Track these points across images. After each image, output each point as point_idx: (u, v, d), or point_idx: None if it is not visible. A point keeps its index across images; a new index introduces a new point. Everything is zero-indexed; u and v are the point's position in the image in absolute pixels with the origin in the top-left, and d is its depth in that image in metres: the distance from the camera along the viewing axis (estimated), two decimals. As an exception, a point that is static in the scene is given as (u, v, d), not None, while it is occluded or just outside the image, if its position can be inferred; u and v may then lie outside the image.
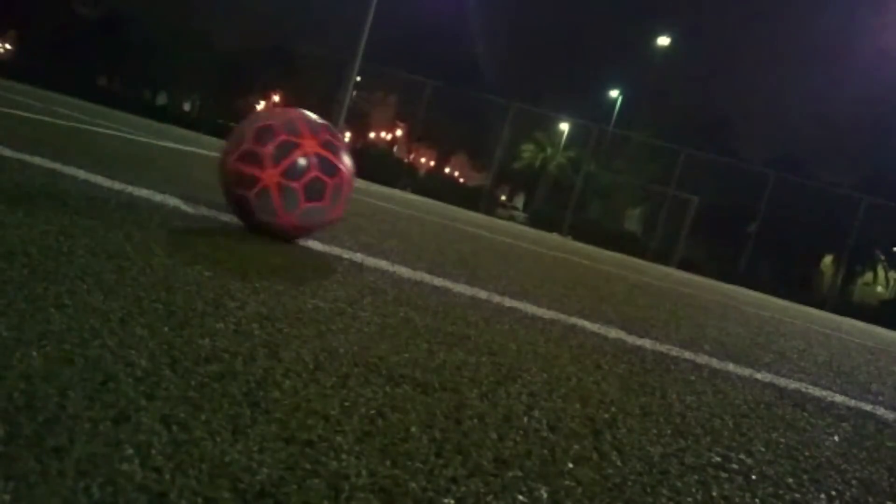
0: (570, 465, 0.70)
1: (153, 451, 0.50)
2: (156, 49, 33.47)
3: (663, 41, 33.81)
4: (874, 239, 33.57)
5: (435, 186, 32.18)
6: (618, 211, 38.33)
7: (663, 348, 1.73)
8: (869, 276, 39.62)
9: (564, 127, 43.09)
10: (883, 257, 37.94)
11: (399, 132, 63.57)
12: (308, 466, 0.54)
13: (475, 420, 0.76)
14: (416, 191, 29.62)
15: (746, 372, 1.70)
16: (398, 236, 3.04)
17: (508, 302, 1.81)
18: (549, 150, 44.16)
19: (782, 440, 1.06)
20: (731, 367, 1.72)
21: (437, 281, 1.85)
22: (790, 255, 32.39)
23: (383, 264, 1.89)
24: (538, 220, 32.95)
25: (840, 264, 33.21)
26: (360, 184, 11.59)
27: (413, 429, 0.67)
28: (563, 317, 1.80)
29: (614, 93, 40.83)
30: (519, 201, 51.91)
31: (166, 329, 0.79)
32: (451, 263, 2.42)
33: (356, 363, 0.85)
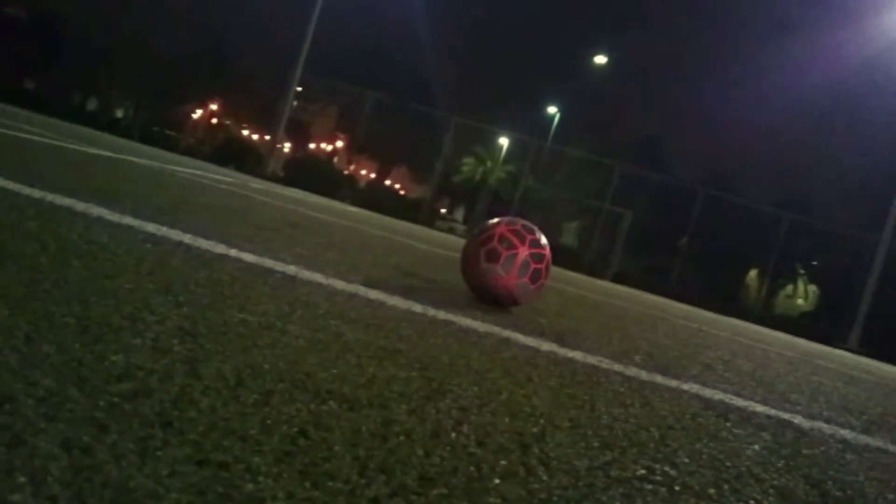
0: (497, 481, 0.69)
1: (49, 478, 0.47)
2: (88, 52, 32.27)
3: (600, 59, 34.80)
4: (795, 253, 35.30)
5: (375, 198, 32.09)
6: (555, 225, 39.01)
7: (594, 360, 1.76)
8: (790, 288, 41.56)
9: (504, 141, 43.66)
10: (803, 271, 39.89)
11: (340, 143, 63.10)
12: (220, 490, 0.52)
13: (402, 437, 0.74)
14: (356, 203, 29.43)
15: (673, 383, 1.75)
16: (335, 248, 3.00)
17: (443, 315, 1.80)
18: (488, 164, 44.65)
19: (705, 451, 1.09)
20: (658, 378, 1.76)
21: (372, 294, 1.83)
22: (718, 268, 33.64)
23: (317, 277, 1.85)
24: (478, 232, 32.84)
25: (764, 277, 34.75)
26: (299, 194, 11.42)
27: (336, 447, 0.66)
28: (497, 329, 1.81)
29: (552, 109, 41.64)
30: (459, 214, 52.23)
31: (77, 345, 0.75)
32: (387, 276, 2.40)
33: (281, 379, 0.83)
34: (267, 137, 29.14)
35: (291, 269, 1.86)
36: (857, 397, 2.90)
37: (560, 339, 1.97)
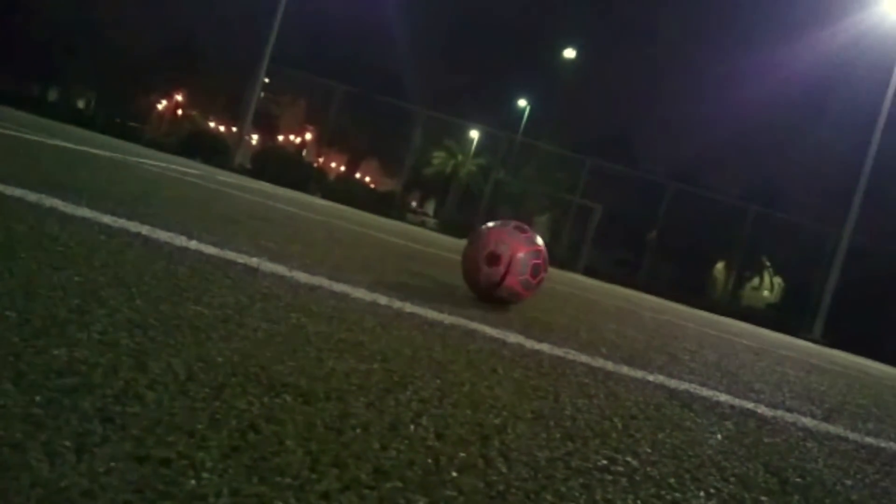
0: (454, 474, 0.68)
1: (-29, 479, 0.44)
2: (48, 42, 31.44)
3: (570, 54, 34.96)
4: (761, 246, 35.99)
5: (345, 191, 31.87)
6: (526, 218, 39.16)
7: (561, 352, 1.75)
8: (756, 280, 42.41)
9: (475, 135, 43.71)
10: (768, 263, 40.72)
11: (309, 136, 62.54)
12: (161, 487, 0.49)
13: (358, 430, 0.72)
14: (325, 196, 29.20)
15: (639, 374, 1.75)
16: (301, 241, 2.96)
17: (409, 307, 1.78)
18: (459, 158, 44.66)
19: (668, 440, 1.09)
20: (625, 369, 1.77)
21: (337, 286, 1.80)
22: (686, 261, 34.16)
23: (281, 269, 1.82)
24: (449, 226, 33.18)
25: (731, 270, 35.37)
26: (267, 187, 11.26)
27: (288, 442, 0.64)
28: (463, 322, 1.79)
29: (523, 103, 41.77)
30: (430, 207, 52.19)
31: (16, 339, 0.72)
32: (354, 268, 2.37)
33: (234, 373, 0.80)
34: (234, 129, 28.73)
35: (254, 262, 1.82)
36: (819, 386, 2.96)
37: (527, 331, 1.96)
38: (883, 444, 1.72)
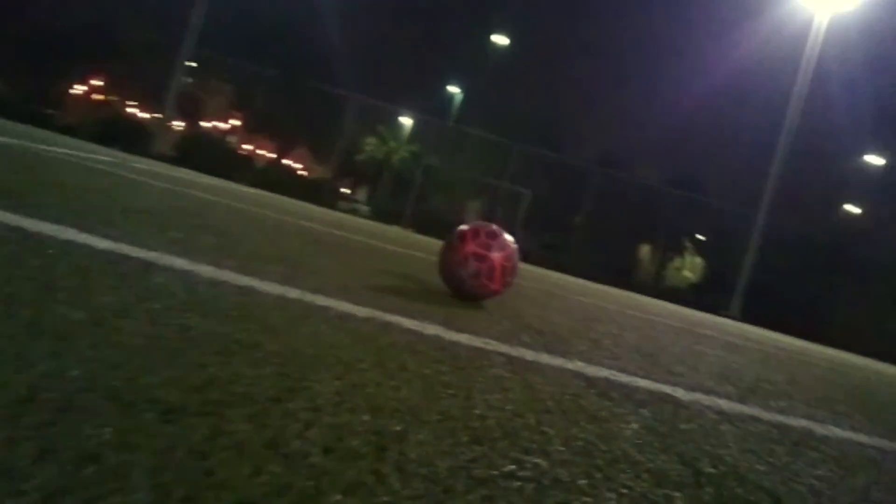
0: (338, 497, 0.61)
1: None
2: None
3: (499, 40, 35.09)
4: (682, 228, 37.34)
5: (274, 179, 31.21)
6: (458, 204, 39.33)
7: (480, 342, 1.70)
8: (678, 261, 44.00)
9: (407, 121, 43.45)
10: (690, 245, 42.31)
11: (236, 122, 60.75)
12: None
13: (230, 451, 0.64)
14: (253, 183, 28.49)
15: (558, 362, 1.72)
16: (215, 232, 2.80)
17: (322, 300, 1.69)
18: (392, 144, 44.32)
19: (581, 435, 1.05)
20: (544, 358, 1.73)
21: (245, 280, 1.69)
22: (612, 244, 35.06)
23: (182, 263, 1.69)
24: (381, 213, 33.04)
25: (655, 252, 36.58)
26: (190, 175, 10.80)
27: (135, 473, 0.55)
28: (379, 314, 1.72)
29: (454, 89, 41.76)
30: (362, 194, 51.62)
31: None
32: (268, 260, 2.25)
33: (89, 389, 0.70)
34: (157, 116, 27.58)
35: (152, 256, 1.68)
36: (735, 365, 3.03)
37: (448, 322, 1.90)
38: (793, 423, 1.75)
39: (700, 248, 43.74)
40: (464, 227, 2.68)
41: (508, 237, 2.64)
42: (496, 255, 2.49)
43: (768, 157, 21.46)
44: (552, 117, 42.18)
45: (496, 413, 1.04)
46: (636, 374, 1.86)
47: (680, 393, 1.74)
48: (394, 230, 15.94)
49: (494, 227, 2.65)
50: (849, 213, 44.58)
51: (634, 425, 1.22)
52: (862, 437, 1.79)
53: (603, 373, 1.74)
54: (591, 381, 1.56)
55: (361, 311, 1.69)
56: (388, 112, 38.43)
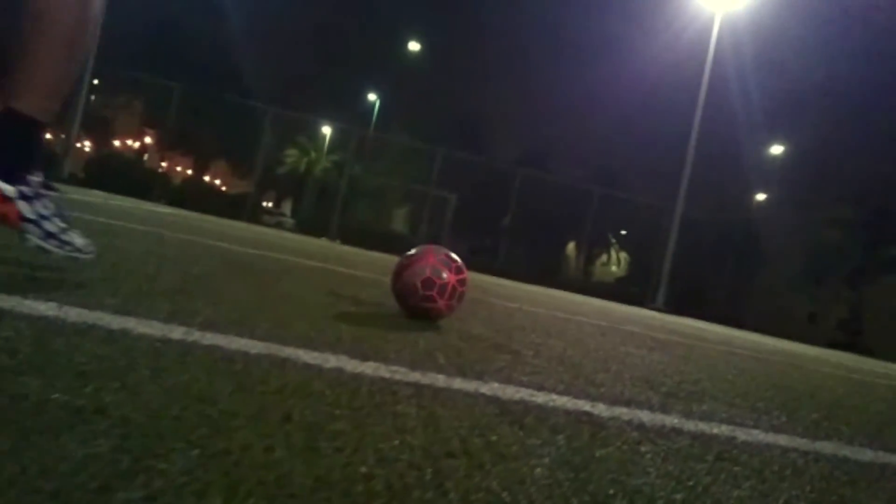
0: None
1: None
2: None
3: (414, 46, 35.14)
4: (606, 224, 38.37)
5: (193, 196, 30.29)
6: (385, 212, 39.15)
7: (387, 372, 1.58)
8: (605, 257, 45.24)
9: (327, 131, 42.90)
10: (614, 240, 43.55)
11: (149, 139, 58.68)
12: None
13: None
14: (170, 202, 27.56)
15: (473, 386, 1.62)
16: (103, 264, 2.56)
17: (210, 338, 1.53)
18: (313, 154, 43.68)
19: (485, 485, 0.93)
20: (457, 383, 1.62)
21: (119, 322, 1.51)
22: (540, 243, 35.67)
23: (44, 308, 1.49)
24: (306, 225, 32.52)
25: (581, 249, 37.42)
26: (97, 197, 10.20)
27: None
28: (277, 348, 1.57)
29: (372, 97, 41.52)
30: (287, 207, 50.74)
31: None
32: (158, 293, 2.05)
33: None
34: (62, 136, 26.20)
35: (11, 302, 1.48)
36: (658, 365, 3.01)
37: (355, 349, 1.77)
38: (715, 430, 1.70)
39: (624, 243, 45.10)
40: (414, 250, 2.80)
41: (458, 259, 2.77)
42: (448, 276, 2.65)
43: (682, 150, 22.27)
44: (474, 120, 42.58)
45: (386, 469, 0.92)
46: (555, 391, 1.78)
47: (600, 409, 1.67)
48: (318, 243, 15.62)
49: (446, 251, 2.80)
50: (758, 200, 46.94)
51: (546, 459, 1.12)
52: (782, 440, 1.76)
53: (520, 394, 1.64)
54: (505, 407, 1.46)
55: (256, 347, 1.53)
56: (307, 122, 37.87)
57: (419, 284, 2.63)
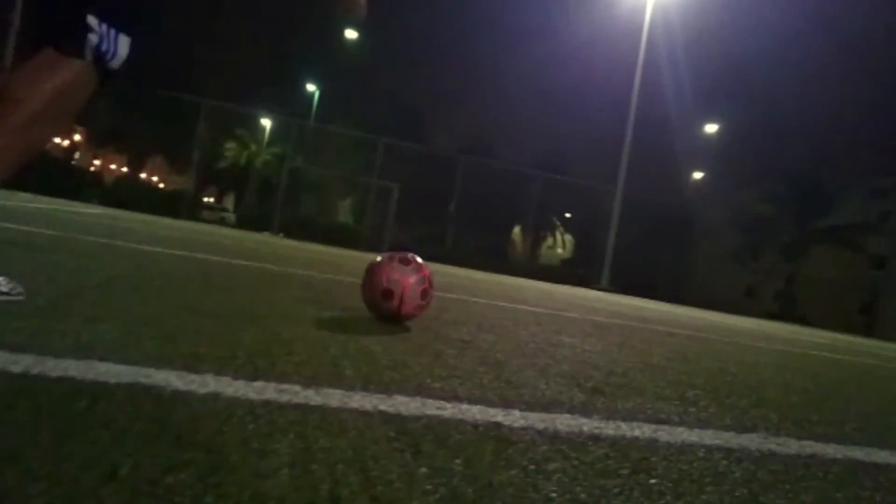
0: None
1: None
2: None
3: (352, 35, 34.54)
4: (551, 208, 38.73)
5: (127, 195, 29.25)
6: (329, 204, 38.59)
7: (276, 393, 1.41)
8: (550, 240, 45.72)
9: (267, 123, 41.98)
10: (559, 223, 44.04)
11: (78, 137, 56.38)
12: None
13: None
14: (103, 202, 26.57)
15: (372, 403, 1.46)
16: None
17: (63, 368, 1.33)
18: (253, 148, 42.72)
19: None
20: (356, 399, 1.47)
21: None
22: (486, 229, 35.76)
23: None
24: (248, 219, 31.80)
25: (527, 233, 37.70)
26: (13, 201, 9.54)
27: None
28: (146, 373, 1.38)
29: (311, 87, 40.75)
30: (230, 202, 49.51)
31: None
32: (30, 315, 1.83)
33: None
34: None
35: None
36: (590, 356, 2.92)
37: (246, 366, 1.59)
38: (637, 432, 1.60)
39: (569, 226, 45.65)
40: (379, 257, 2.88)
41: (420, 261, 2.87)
42: (406, 278, 2.74)
43: (621, 133, 22.56)
44: (416, 109, 42.24)
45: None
46: (468, 399, 1.64)
47: (513, 417, 1.54)
48: (257, 238, 15.19)
49: (409, 254, 2.86)
50: (695, 179, 48.15)
51: (433, 498, 0.98)
52: (707, 437, 1.68)
53: (426, 408, 1.50)
54: (403, 428, 1.31)
55: (118, 375, 1.34)
56: (245, 115, 36.92)
57: (380, 297, 2.75)
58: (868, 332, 36.77)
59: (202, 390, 1.34)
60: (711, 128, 44.15)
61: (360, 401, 1.47)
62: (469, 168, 28.44)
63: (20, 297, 1.96)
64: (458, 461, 1.16)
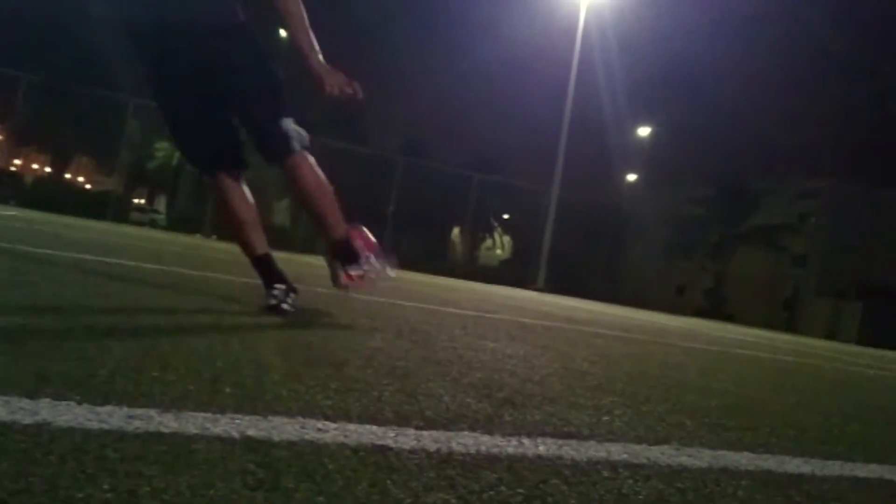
0: None
1: None
2: None
3: (284, 34, 33.88)
4: (489, 210, 38.94)
5: (50, 196, 27.97)
6: (265, 205, 37.75)
7: (124, 421, 1.21)
8: (489, 241, 46.02)
9: (198, 122, 40.77)
10: (497, 224, 44.36)
11: (-3, 137, 53.68)
12: None
13: None
14: (23, 203, 25.36)
15: (242, 427, 1.28)
16: None
17: None
18: (184, 147, 41.43)
19: None
20: (220, 425, 1.29)
21: None
22: (426, 231, 35.65)
23: None
24: (180, 221, 30.93)
25: (465, 234, 37.76)
26: None
27: None
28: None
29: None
30: (161, 204, 47.84)
31: None
32: None
33: None
34: None
35: None
36: (509, 362, 2.80)
37: (102, 388, 1.39)
38: (540, 449, 1.47)
39: (507, 227, 46.01)
40: None
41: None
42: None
43: (556, 135, 22.82)
44: (352, 110, 41.77)
45: None
46: (357, 419, 1.48)
47: (404, 440, 1.38)
48: (184, 241, 14.62)
49: None
50: (629, 181, 49.37)
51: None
52: (615, 451, 1.56)
53: (304, 431, 1.33)
54: (267, 456, 1.14)
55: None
56: (175, 114, 35.76)
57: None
58: (790, 327, 38.44)
59: (27, 420, 1.13)
60: (644, 130, 45.33)
61: (226, 425, 1.29)
62: (407, 169, 28.26)
63: None
64: (320, 499, 1.00)
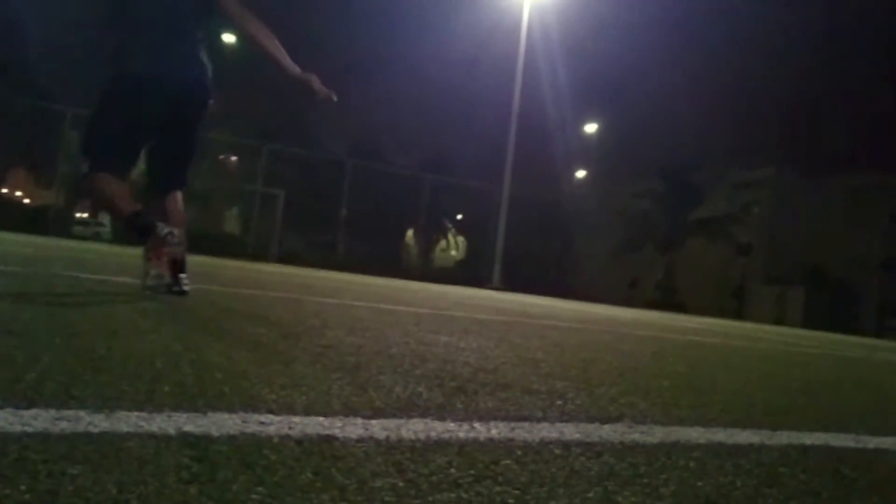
0: None
1: None
2: None
3: (230, 38, 33.21)
4: (441, 210, 38.97)
5: (-16, 211, 26.85)
6: (214, 213, 36.98)
7: (47, 423, 1.14)
8: (444, 242, 46.04)
9: (142, 131, 39.65)
10: (450, 225, 44.42)
11: (-78, 150, 51.32)
12: None
13: None
14: (-48, 220, 24.30)
15: (177, 425, 1.22)
16: None
17: None
18: (129, 158, 40.24)
19: None
20: (157, 421, 1.23)
21: None
22: (378, 233, 35.43)
23: None
24: (125, 234, 30.01)
25: (419, 236, 37.71)
26: None
27: None
28: None
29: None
30: (105, 217, 46.38)
31: None
32: None
33: None
34: None
35: None
36: (462, 354, 2.78)
37: (27, 392, 1.31)
38: (493, 432, 1.45)
39: (461, 227, 46.14)
40: None
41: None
42: None
43: (505, 133, 22.98)
44: (298, 112, 41.22)
45: None
46: (304, 412, 1.43)
47: (351, 429, 1.34)
48: (130, 252, 14.18)
49: None
50: (578, 177, 50.13)
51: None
52: (568, 431, 1.55)
53: (245, 426, 1.27)
54: (205, 451, 1.08)
55: None
56: (117, 123, 34.73)
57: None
58: (738, 314, 39.55)
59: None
60: (591, 127, 46.06)
61: (163, 423, 1.23)
62: (357, 172, 28.05)
63: None
64: (260, 489, 0.95)
